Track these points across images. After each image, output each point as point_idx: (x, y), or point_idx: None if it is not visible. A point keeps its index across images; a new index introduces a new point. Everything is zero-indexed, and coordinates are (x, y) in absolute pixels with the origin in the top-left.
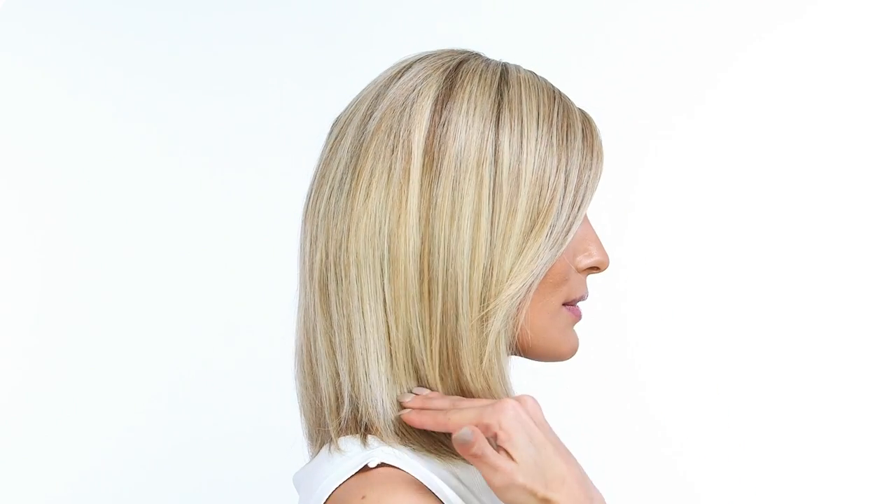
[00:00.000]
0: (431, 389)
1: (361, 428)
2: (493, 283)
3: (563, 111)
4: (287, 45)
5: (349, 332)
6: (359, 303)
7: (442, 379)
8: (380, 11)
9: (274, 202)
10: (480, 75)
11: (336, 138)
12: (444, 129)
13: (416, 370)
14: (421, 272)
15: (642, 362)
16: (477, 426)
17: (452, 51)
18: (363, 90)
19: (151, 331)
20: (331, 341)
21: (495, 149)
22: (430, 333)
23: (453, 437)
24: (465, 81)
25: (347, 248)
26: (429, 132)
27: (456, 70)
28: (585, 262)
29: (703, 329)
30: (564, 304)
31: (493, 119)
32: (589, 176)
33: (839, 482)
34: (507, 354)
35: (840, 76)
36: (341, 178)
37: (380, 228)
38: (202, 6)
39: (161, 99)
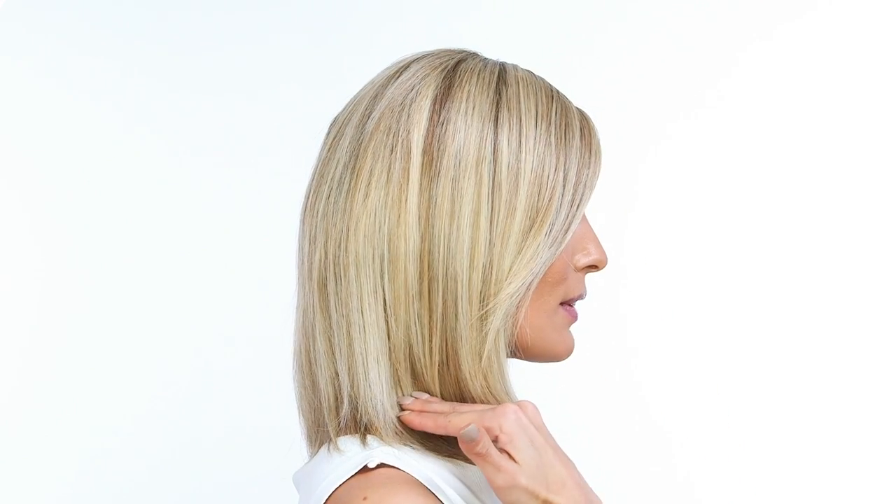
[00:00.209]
0: (430, 390)
1: (361, 428)
2: (492, 282)
3: (562, 110)
4: (284, 45)
5: (348, 332)
6: (358, 303)
7: (441, 378)
8: (379, 12)
9: (273, 202)
10: (478, 75)
11: (334, 138)
12: (443, 128)
13: (416, 369)
14: (420, 271)
15: (640, 362)
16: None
17: (450, 50)
18: (361, 90)
19: (151, 331)
20: (330, 341)
21: (494, 148)
22: (430, 332)
23: (459, 433)
24: (464, 81)
25: (347, 247)
26: (428, 131)
27: (454, 70)
28: (584, 260)
29: (701, 329)
30: (561, 304)
31: (492, 118)
32: (587, 174)
33: (839, 482)
34: (507, 354)
35: (840, 77)
36: (340, 178)
37: (379, 228)
38: (202, 7)
39: (160, 98)
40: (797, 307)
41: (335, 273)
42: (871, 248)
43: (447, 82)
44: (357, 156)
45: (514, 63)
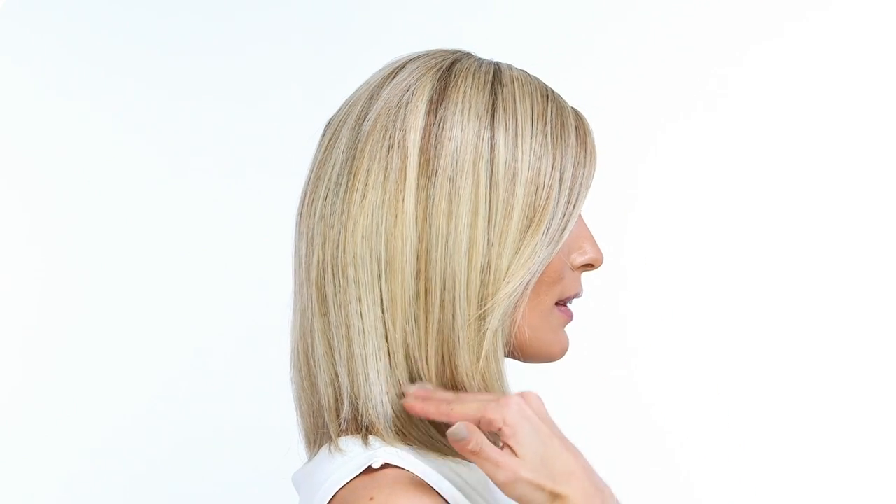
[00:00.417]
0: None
1: (362, 428)
2: (490, 282)
3: (557, 109)
4: (283, 48)
5: (347, 333)
6: (357, 304)
7: (439, 378)
8: (379, 12)
9: (273, 202)
10: (474, 74)
11: (330, 140)
12: (440, 128)
13: (414, 370)
14: (418, 272)
15: (640, 362)
16: (481, 420)
17: (444, 51)
18: (356, 91)
19: (151, 331)
20: (329, 343)
21: (491, 147)
22: (427, 332)
23: (447, 432)
24: (459, 81)
25: (345, 248)
26: (424, 132)
27: (449, 70)
28: (580, 259)
29: (701, 329)
30: (557, 304)
31: (489, 118)
32: (583, 173)
33: (839, 482)
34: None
35: (840, 77)
36: (337, 180)
37: (377, 228)
38: (202, 10)
39: (159, 100)
40: (797, 307)
41: (333, 274)
42: (871, 248)
43: (443, 82)
44: (354, 157)
45: (509, 63)
